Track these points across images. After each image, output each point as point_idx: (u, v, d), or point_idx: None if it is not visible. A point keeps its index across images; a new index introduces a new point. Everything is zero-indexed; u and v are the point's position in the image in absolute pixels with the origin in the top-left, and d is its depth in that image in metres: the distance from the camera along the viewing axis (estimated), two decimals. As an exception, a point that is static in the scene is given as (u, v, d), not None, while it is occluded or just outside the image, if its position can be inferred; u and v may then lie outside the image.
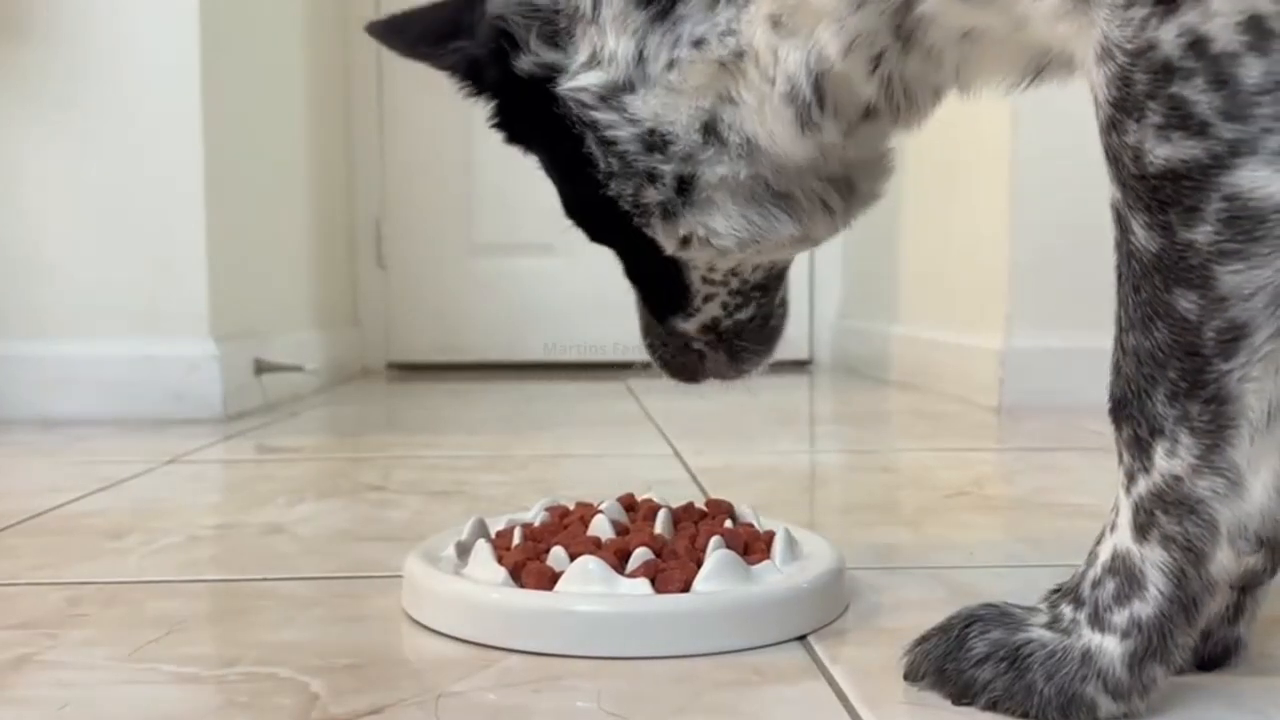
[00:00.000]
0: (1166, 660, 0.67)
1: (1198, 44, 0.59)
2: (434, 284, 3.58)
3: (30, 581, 1.04)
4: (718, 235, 0.86)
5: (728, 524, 0.97)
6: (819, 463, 1.82)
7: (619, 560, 0.86)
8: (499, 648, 0.82)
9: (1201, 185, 0.61)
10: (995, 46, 0.76)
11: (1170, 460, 0.65)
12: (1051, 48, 0.72)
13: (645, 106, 0.83)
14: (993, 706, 0.68)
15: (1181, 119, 0.60)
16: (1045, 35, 0.68)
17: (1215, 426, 0.64)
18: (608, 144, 0.84)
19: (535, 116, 0.87)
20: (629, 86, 0.82)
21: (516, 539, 0.92)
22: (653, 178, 0.84)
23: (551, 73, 0.85)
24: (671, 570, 0.85)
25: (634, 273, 0.98)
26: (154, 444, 1.90)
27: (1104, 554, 0.69)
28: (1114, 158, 0.64)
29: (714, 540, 0.89)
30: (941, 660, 0.71)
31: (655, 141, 0.83)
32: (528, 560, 0.87)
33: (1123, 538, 0.68)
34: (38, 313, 2.24)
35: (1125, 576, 0.67)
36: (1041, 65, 0.78)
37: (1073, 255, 2.23)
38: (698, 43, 0.80)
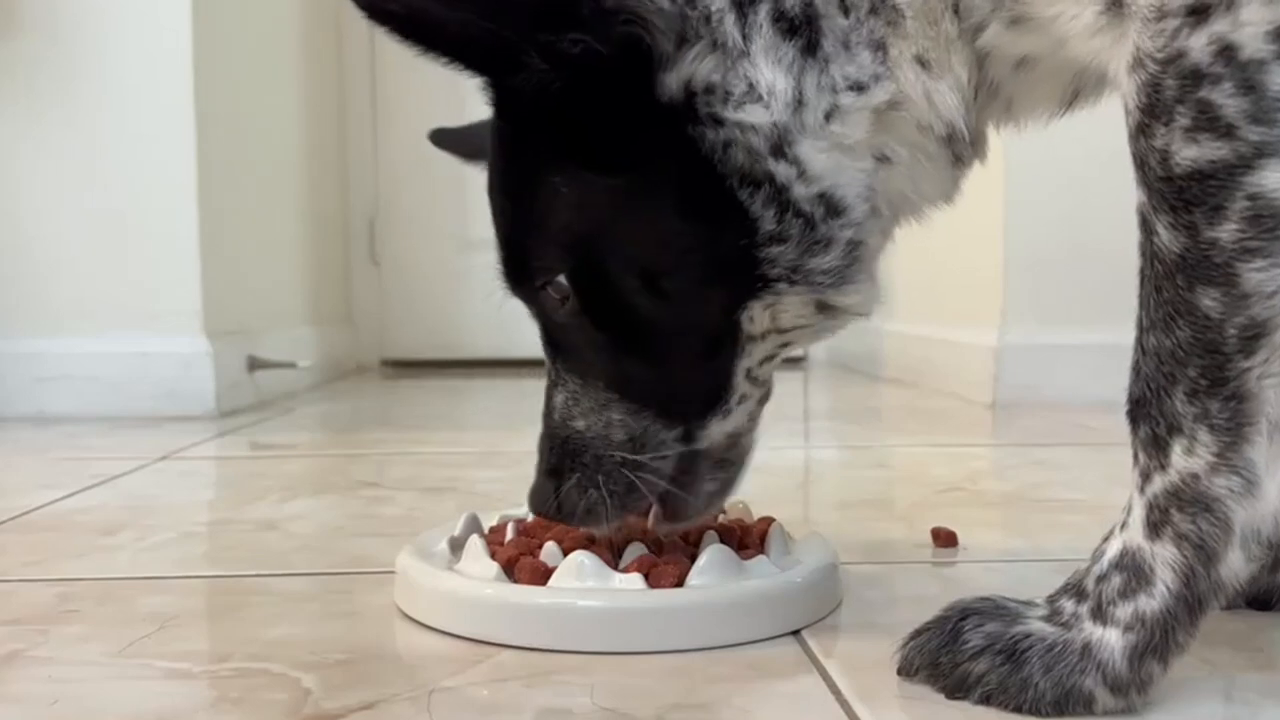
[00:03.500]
0: (1166, 658, 0.67)
1: (1227, 51, 0.61)
2: (428, 281, 3.57)
3: (22, 578, 1.03)
4: (862, 304, 0.80)
5: (721, 519, 0.97)
6: (813, 459, 1.82)
7: (612, 556, 0.86)
8: (492, 643, 0.82)
9: (1226, 185, 0.62)
10: (1044, 74, 0.76)
11: (1188, 458, 0.65)
12: (1088, 65, 0.73)
13: (817, 162, 0.75)
14: (986, 700, 0.68)
15: (1209, 122, 0.62)
16: (1082, 51, 0.69)
17: (1234, 424, 0.64)
18: (783, 204, 0.75)
19: (660, 146, 0.76)
20: (793, 134, 0.74)
21: (510, 535, 0.92)
22: (829, 243, 0.76)
23: (696, 98, 0.75)
24: (665, 565, 0.85)
25: (668, 352, 0.81)
26: (147, 441, 1.90)
27: (1112, 550, 0.69)
28: (1141, 161, 0.65)
29: (708, 535, 0.89)
30: (936, 654, 0.71)
31: (832, 206, 0.76)
32: (521, 556, 0.87)
33: (1134, 535, 0.68)
34: (30, 310, 2.23)
35: (1133, 572, 0.67)
36: (1076, 92, 0.79)
37: (1066, 252, 2.24)
38: (858, 87, 0.74)
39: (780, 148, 0.74)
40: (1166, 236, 0.65)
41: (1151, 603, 0.66)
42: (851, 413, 2.50)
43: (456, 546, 0.93)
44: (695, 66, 0.74)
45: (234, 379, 2.32)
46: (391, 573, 0.94)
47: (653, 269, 0.78)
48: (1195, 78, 0.62)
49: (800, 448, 1.93)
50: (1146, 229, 0.66)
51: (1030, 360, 2.25)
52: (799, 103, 0.73)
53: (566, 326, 0.82)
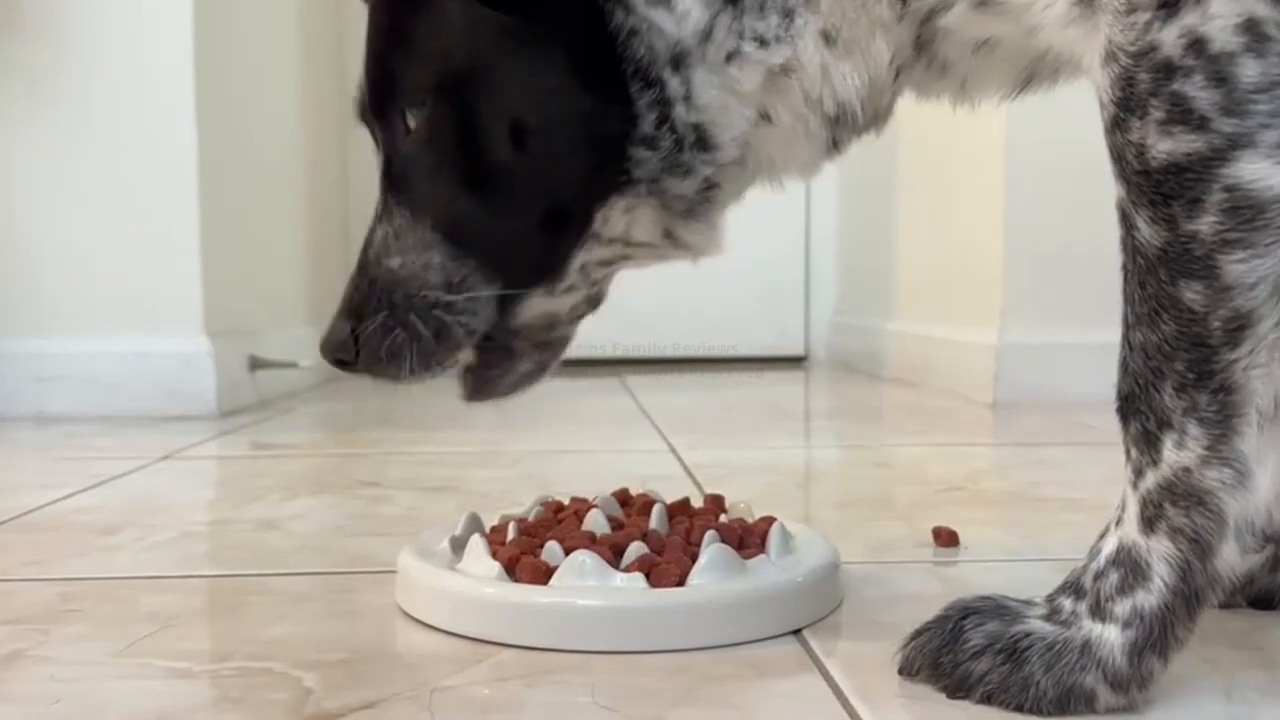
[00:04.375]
0: (1165, 653, 0.67)
1: (1197, 44, 0.61)
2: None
3: (23, 578, 1.03)
4: (702, 244, 0.83)
5: (722, 518, 0.97)
6: (814, 458, 1.82)
7: (614, 555, 0.86)
8: (493, 642, 0.82)
9: (1203, 177, 0.62)
10: (1003, 57, 0.77)
11: (1179, 452, 0.65)
12: (1052, 53, 0.73)
13: (705, 94, 0.76)
14: (988, 700, 0.68)
15: (1183, 114, 0.62)
16: (1053, 41, 0.69)
17: (1223, 416, 0.64)
18: (663, 116, 0.76)
19: (569, 3, 0.75)
20: (692, 59, 0.75)
21: (511, 534, 0.92)
22: (688, 172, 0.79)
23: None
24: (666, 565, 0.85)
25: (514, 210, 0.79)
26: (148, 440, 1.90)
27: (1108, 547, 0.69)
28: (1118, 155, 0.66)
29: (708, 535, 0.89)
30: (937, 653, 0.71)
31: (703, 138, 0.78)
32: (522, 555, 0.87)
33: (1129, 531, 0.68)
34: (31, 309, 2.23)
35: (1130, 568, 0.67)
36: (1029, 77, 0.80)
37: (1067, 251, 2.24)
38: (761, 41, 0.75)
39: (678, 63, 0.75)
40: (1147, 231, 0.65)
41: (1149, 598, 0.66)
42: (852, 412, 2.50)
43: (458, 546, 0.93)
44: None
45: (235, 379, 2.32)
46: (392, 572, 0.94)
47: (524, 121, 0.76)
48: (1167, 71, 0.62)
49: (801, 447, 1.93)
50: (1127, 223, 0.66)
51: (1031, 359, 2.25)
52: (706, 36, 0.75)
53: (410, 158, 0.81)
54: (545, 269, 0.81)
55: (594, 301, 0.87)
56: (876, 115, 0.81)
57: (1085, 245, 2.20)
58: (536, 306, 0.83)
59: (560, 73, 0.76)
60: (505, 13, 0.76)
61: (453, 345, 0.82)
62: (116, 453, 1.76)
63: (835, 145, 0.80)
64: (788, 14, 0.75)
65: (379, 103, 0.82)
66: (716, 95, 0.76)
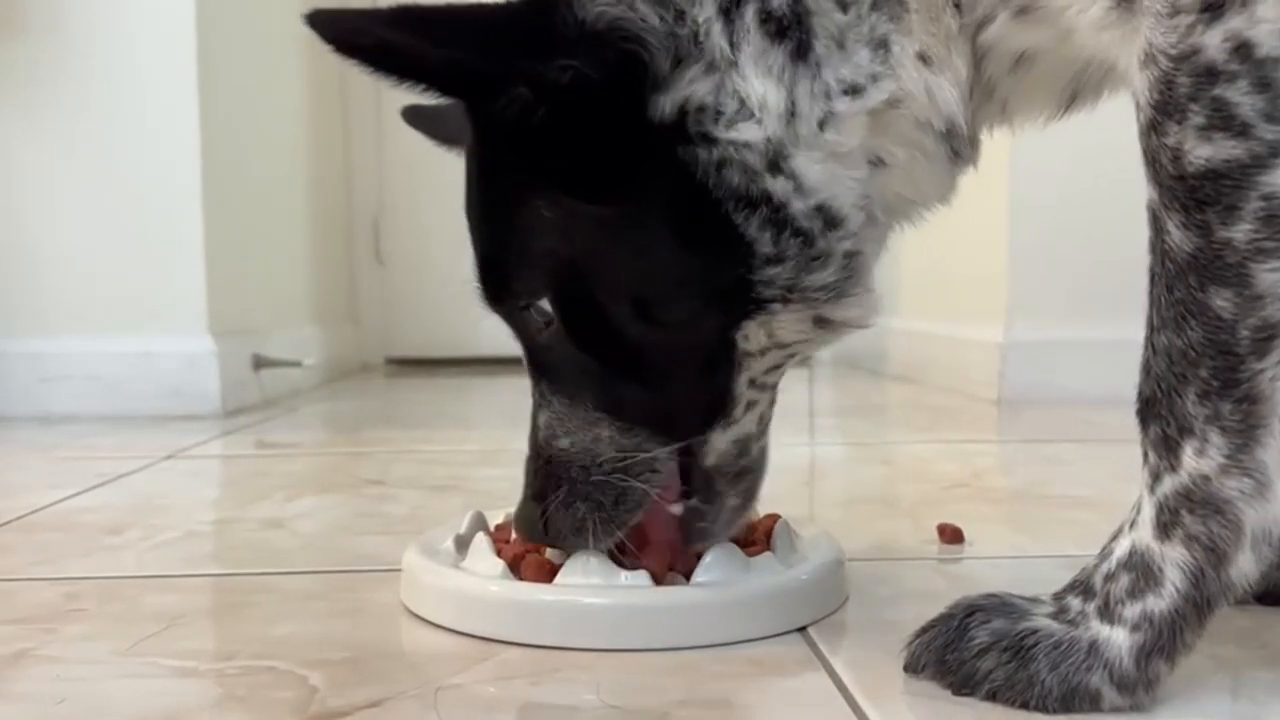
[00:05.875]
0: (1173, 658, 0.67)
1: (1243, 48, 0.60)
2: (432, 279, 3.57)
3: (28, 577, 1.03)
4: (870, 315, 0.78)
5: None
6: (819, 455, 1.82)
7: (618, 552, 0.86)
8: (498, 640, 0.82)
9: (1241, 184, 0.61)
10: (1041, 74, 0.75)
11: (1199, 460, 0.65)
12: (1093, 61, 0.72)
13: (813, 174, 0.72)
14: (993, 697, 0.68)
15: (1224, 120, 0.61)
16: (1090, 45, 0.68)
17: (1246, 426, 0.64)
18: (780, 223, 0.72)
19: (650, 170, 0.72)
20: (787, 148, 0.71)
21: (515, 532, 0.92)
22: (826, 258, 0.74)
23: (688, 117, 0.71)
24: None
25: (662, 375, 0.79)
26: (152, 440, 1.90)
27: (1120, 549, 0.69)
28: (1153, 159, 0.65)
29: (713, 532, 0.89)
30: (942, 651, 0.71)
31: (830, 218, 0.73)
32: (526, 553, 0.87)
33: (1143, 535, 0.67)
34: (35, 309, 2.23)
35: (1141, 572, 0.67)
36: (1074, 94, 0.78)
37: (1072, 248, 2.24)
38: (853, 91, 0.71)
39: (776, 163, 0.71)
40: (1178, 235, 0.64)
41: (1160, 603, 0.66)
42: (857, 409, 2.50)
43: (462, 544, 0.93)
44: (692, 88, 0.71)
45: (239, 378, 2.32)
46: (397, 570, 0.94)
47: (644, 298, 0.75)
48: (1210, 75, 0.61)
49: (806, 445, 1.92)
50: (1157, 227, 0.65)
51: (1036, 356, 2.25)
52: (792, 114, 0.71)
53: (550, 348, 0.80)
54: (715, 409, 0.80)
55: (773, 402, 0.85)
56: (972, 138, 0.77)
57: (1090, 242, 2.20)
58: (720, 442, 0.81)
59: (662, 245, 0.74)
60: (596, 203, 0.74)
61: (633, 505, 0.81)
62: (120, 452, 1.76)
63: (957, 156, 0.77)
64: (881, 45, 0.71)
65: (500, 299, 0.81)
66: (822, 169, 0.72)
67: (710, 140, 0.71)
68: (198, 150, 2.22)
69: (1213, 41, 0.61)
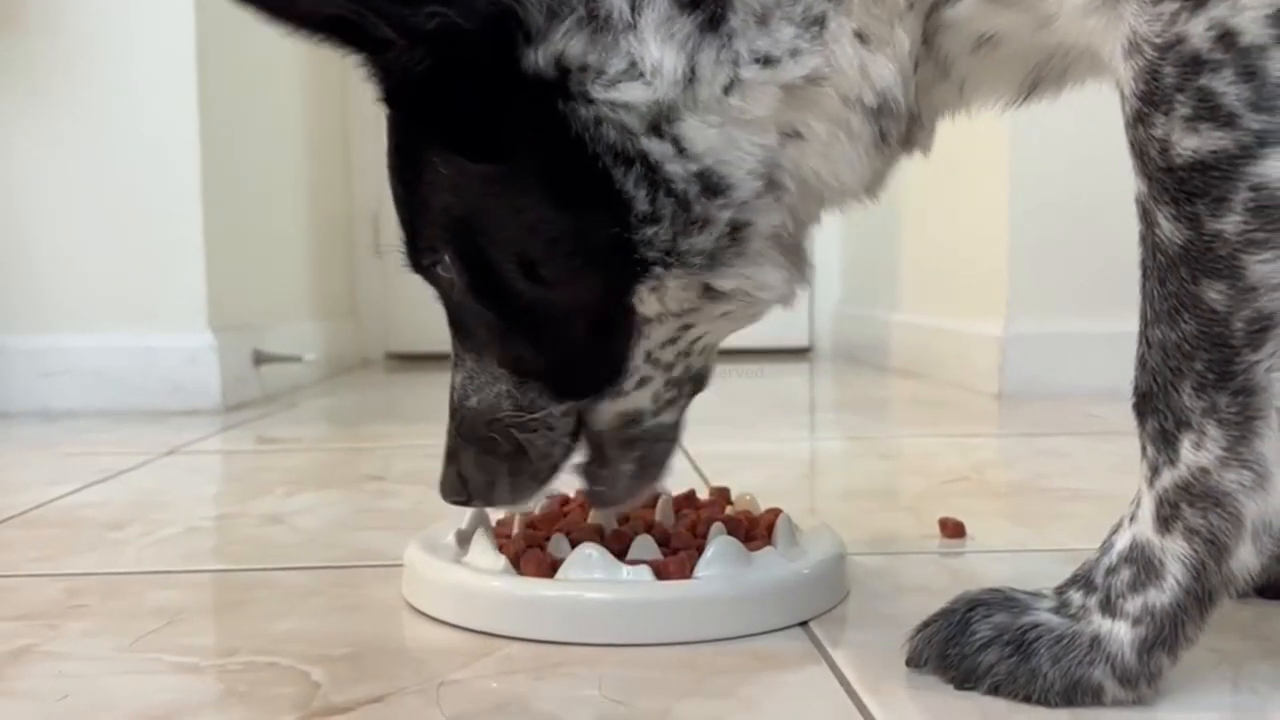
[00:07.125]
0: (1175, 651, 0.67)
1: (1227, 37, 0.60)
2: (432, 274, 3.57)
3: (30, 573, 1.03)
4: (769, 289, 0.77)
5: (728, 510, 0.97)
6: (819, 449, 1.82)
7: (620, 547, 0.86)
8: (500, 635, 0.82)
9: (1229, 175, 0.61)
10: (1004, 58, 0.74)
11: (1197, 453, 0.65)
12: (1058, 50, 0.71)
13: (702, 139, 0.71)
14: (995, 691, 0.68)
15: (1210, 110, 0.61)
16: (1072, 32, 0.67)
17: (1243, 418, 0.64)
18: (656, 183, 0.72)
19: (528, 127, 0.72)
20: (677, 111, 0.71)
21: (517, 527, 0.92)
22: (705, 223, 0.73)
23: (570, 75, 0.71)
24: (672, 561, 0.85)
25: (555, 334, 0.79)
26: (153, 435, 1.90)
27: (1121, 543, 0.69)
28: (1140, 151, 0.64)
29: (715, 527, 0.89)
30: (944, 645, 0.71)
31: (712, 183, 0.72)
32: (528, 548, 0.87)
33: (1143, 528, 0.67)
34: (36, 306, 2.24)
35: (1143, 565, 0.67)
36: (1036, 81, 0.77)
37: (1072, 242, 2.24)
38: (765, 61, 0.70)
39: (658, 125, 0.71)
40: (1168, 228, 0.64)
41: (1161, 596, 0.66)
42: (857, 404, 2.50)
43: (464, 539, 0.93)
44: (566, 42, 0.70)
45: (239, 373, 2.32)
46: (398, 566, 0.94)
47: (528, 256, 0.75)
48: (1195, 64, 0.60)
49: (806, 439, 1.92)
50: (1147, 220, 0.65)
51: (1036, 350, 2.25)
52: (690, 79, 0.70)
53: (460, 305, 0.81)
54: (604, 375, 0.80)
55: (693, 381, 0.84)
56: (912, 119, 0.76)
57: (1090, 236, 2.19)
58: (607, 410, 0.82)
59: (539, 202, 0.74)
60: (480, 162, 0.74)
61: (540, 459, 0.82)
62: (122, 448, 1.77)
63: (884, 138, 0.75)
64: (816, 22, 0.70)
65: (415, 261, 0.83)
66: (717, 134, 0.71)
67: (588, 99, 0.71)
68: (197, 146, 2.22)
69: (1197, 30, 0.60)
